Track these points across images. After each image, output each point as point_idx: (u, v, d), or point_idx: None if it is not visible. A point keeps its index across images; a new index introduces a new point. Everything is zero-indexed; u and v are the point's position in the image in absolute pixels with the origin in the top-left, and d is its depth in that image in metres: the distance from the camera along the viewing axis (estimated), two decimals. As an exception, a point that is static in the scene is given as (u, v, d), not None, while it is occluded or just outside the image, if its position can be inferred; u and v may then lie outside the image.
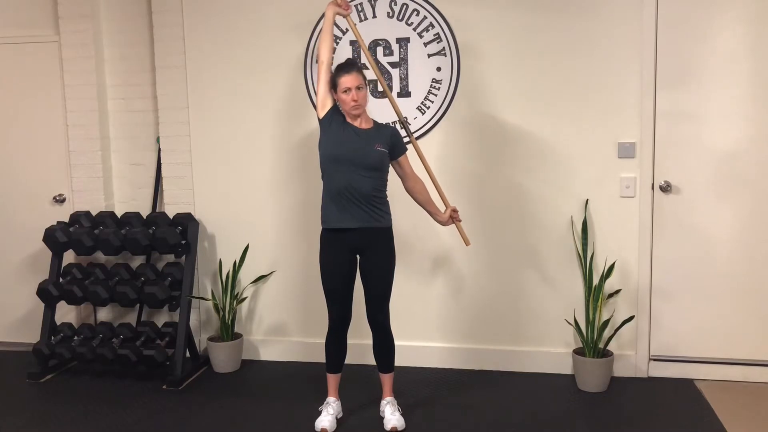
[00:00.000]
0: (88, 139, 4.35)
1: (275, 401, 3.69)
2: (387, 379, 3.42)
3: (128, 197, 4.47)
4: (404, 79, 3.96)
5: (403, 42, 3.94)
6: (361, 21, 3.96)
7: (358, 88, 3.16)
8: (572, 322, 3.83)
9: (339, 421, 3.39)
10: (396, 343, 3.40)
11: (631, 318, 3.73)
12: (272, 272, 4.27)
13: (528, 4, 3.80)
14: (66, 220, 4.30)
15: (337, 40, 3.99)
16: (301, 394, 3.76)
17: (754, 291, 3.76)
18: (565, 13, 3.77)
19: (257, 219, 4.24)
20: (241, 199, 4.26)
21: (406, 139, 3.50)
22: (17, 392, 3.93)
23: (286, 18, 4.06)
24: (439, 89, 3.93)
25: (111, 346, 4.00)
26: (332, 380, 3.42)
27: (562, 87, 3.81)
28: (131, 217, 4.20)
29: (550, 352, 3.98)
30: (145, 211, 4.37)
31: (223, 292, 4.15)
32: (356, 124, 3.24)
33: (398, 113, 3.49)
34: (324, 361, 3.42)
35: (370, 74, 3.64)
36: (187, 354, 4.14)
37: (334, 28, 3.68)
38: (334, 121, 3.24)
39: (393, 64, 3.96)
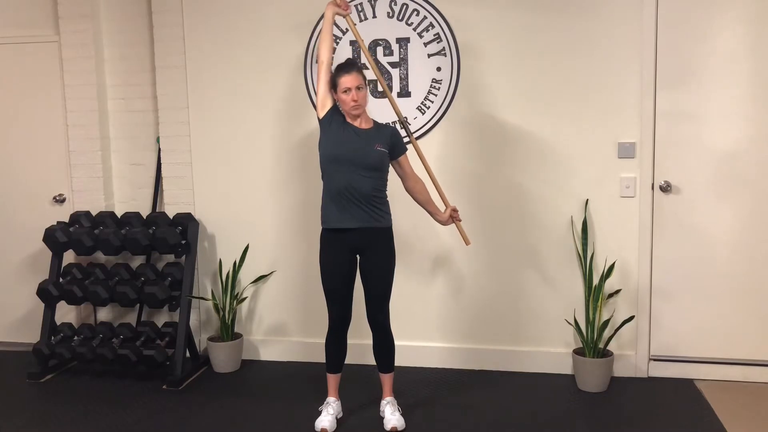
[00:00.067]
0: (88, 139, 4.35)
1: (275, 401, 3.70)
2: (387, 379, 3.42)
3: (128, 197, 4.47)
4: (404, 79, 3.96)
5: (403, 42, 3.94)
6: (361, 21, 3.96)
7: (358, 88, 3.16)
8: (572, 322, 3.83)
9: (339, 421, 3.39)
10: (396, 343, 3.41)
11: (631, 318, 3.73)
12: (272, 272, 4.27)
13: (528, 4, 3.80)
14: (66, 220, 4.30)
15: (337, 40, 3.99)
16: (301, 394, 3.76)
17: (754, 291, 3.76)
18: (565, 13, 3.77)
19: (257, 219, 4.24)
20: (241, 199, 4.26)
21: (406, 139, 3.50)
22: (17, 392, 3.93)
23: (286, 18, 4.06)
24: (439, 89, 3.93)
25: (111, 346, 4.00)
26: (332, 380, 3.42)
27: (562, 87, 3.81)
28: (131, 217, 4.20)
29: (550, 352, 3.98)
30: (145, 211, 4.37)
31: (223, 292, 4.15)
32: (356, 124, 3.24)
33: (398, 113, 3.49)
34: (324, 361, 3.42)
35: (370, 74, 3.64)
36: (187, 354, 4.14)
37: (334, 28, 3.68)
38: (334, 121, 3.24)
39: (393, 64, 3.96)
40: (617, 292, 3.85)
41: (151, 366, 3.99)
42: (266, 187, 4.22)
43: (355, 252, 3.26)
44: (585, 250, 3.82)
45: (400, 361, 3.53)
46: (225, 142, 4.24)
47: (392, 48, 3.95)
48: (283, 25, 4.07)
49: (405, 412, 3.41)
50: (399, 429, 3.29)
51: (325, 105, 3.27)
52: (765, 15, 3.60)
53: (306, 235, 4.11)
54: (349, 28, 3.75)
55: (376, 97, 3.96)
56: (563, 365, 3.94)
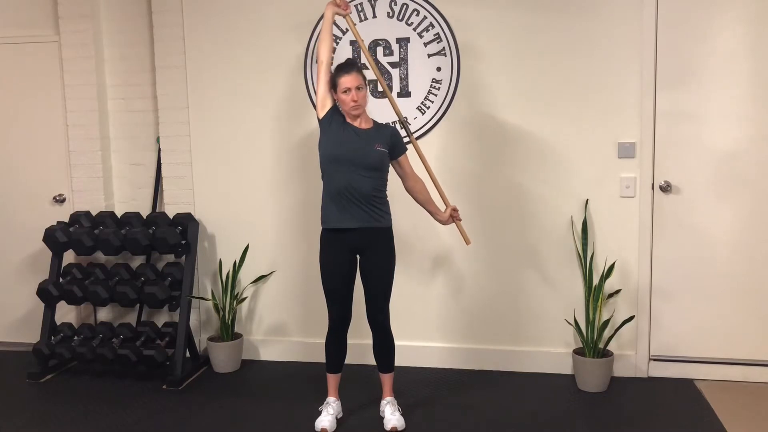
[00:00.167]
0: (88, 139, 4.35)
1: (275, 401, 3.69)
2: (387, 379, 3.42)
3: (128, 197, 4.47)
4: (404, 79, 3.96)
5: (403, 42, 3.94)
6: (361, 21, 3.96)
7: (357, 88, 3.16)
8: (572, 322, 3.83)
9: (339, 421, 3.39)
10: (396, 343, 3.41)
11: (631, 318, 3.73)
12: (272, 272, 4.27)
13: (528, 4, 3.80)
14: (66, 220, 4.30)
15: (337, 40, 3.99)
16: (301, 394, 3.76)
17: (754, 291, 3.76)
18: (565, 13, 3.77)
19: (257, 219, 4.24)
20: (241, 199, 4.26)
21: (406, 139, 3.50)
22: (17, 392, 3.93)
23: (286, 18, 4.06)
24: (439, 89, 3.93)
25: (111, 346, 4.00)
26: (332, 380, 3.42)
27: (562, 87, 3.81)
28: (131, 217, 4.20)
29: (550, 352, 3.98)
30: (145, 211, 4.37)
31: (223, 292, 4.15)
32: (356, 124, 3.24)
33: (398, 113, 3.49)
34: (324, 361, 3.42)
35: (370, 74, 3.64)
36: (187, 354, 4.14)
37: (334, 27, 3.68)
38: (334, 121, 3.24)
39: (393, 64, 3.96)
40: (617, 292, 3.85)
41: (151, 366, 3.99)
42: (266, 187, 4.22)
43: (355, 252, 3.26)
44: (585, 250, 3.82)
45: (400, 361, 3.53)
46: (225, 142, 4.24)
47: (392, 48, 3.95)
48: (283, 25, 4.07)
49: (405, 412, 3.41)
50: (399, 429, 3.29)
51: (324, 105, 3.27)
52: (765, 15, 3.60)
53: (306, 235, 4.11)
54: (349, 28, 3.75)
55: (376, 97, 3.96)
56: (563, 365, 3.94)
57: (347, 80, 3.16)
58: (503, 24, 3.83)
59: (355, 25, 3.76)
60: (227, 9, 4.13)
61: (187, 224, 4.13)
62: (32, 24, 4.43)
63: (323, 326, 3.40)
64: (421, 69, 3.93)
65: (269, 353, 4.33)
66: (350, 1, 3.90)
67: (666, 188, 3.79)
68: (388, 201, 3.31)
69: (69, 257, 4.33)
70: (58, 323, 4.26)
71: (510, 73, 3.86)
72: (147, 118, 4.37)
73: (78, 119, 4.35)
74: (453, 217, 3.44)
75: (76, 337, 4.14)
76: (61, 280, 4.21)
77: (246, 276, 4.25)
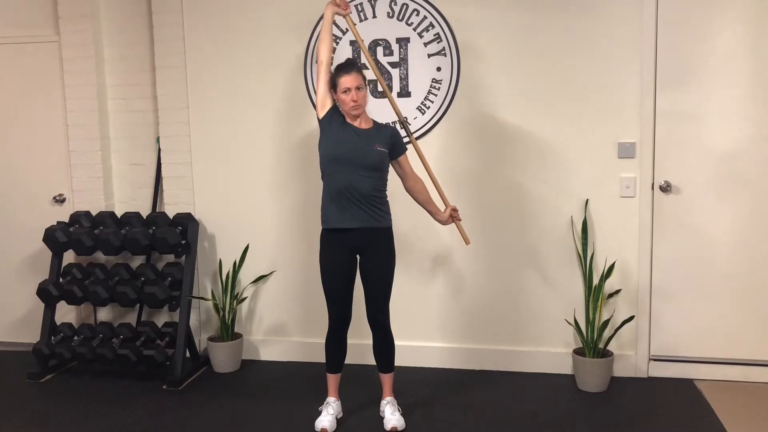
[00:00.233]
0: (88, 139, 4.35)
1: (275, 401, 3.69)
2: (387, 379, 3.42)
3: (128, 197, 4.47)
4: (404, 79, 3.96)
5: (403, 42, 3.94)
6: (361, 21, 3.96)
7: (357, 88, 3.16)
8: (572, 322, 3.83)
9: (339, 421, 3.39)
10: (396, 343, 3.40)
11: (631, 318, 3.73)
12: (272, 272, 4.27)
13: (528, 4, 3.80)
14: (66, 220, 4.30)
15: (337, 40, 3.99)
16: (301, 394, 3.76)
17: (754, 291, 3.76)
18: (565, 13, 3.77)
19: (257, 219, 4.24)
20: (241, 199, 4.26)
21: (405, 139, 3.50)
22: (17, 392, 3.93)
23: (286, 18, 4.06)
24: (439, 89, 3.93)
25: (111, 346, 4.00)
26: (332, 380, 3.42)
27: (562, 87, 3.81)
28: (131, 217, 4.20)
29: (550, 352, 3.98)
30: (145, 211, 4.37)
31: (223, 292, 4.15)
32: (356, 124, 3.24)
33: (398, 113, 3.49)
34: (324, 361, 3.42)
35: (370, 74, 3.64)
36: (187, 354, 4.14)
37: (334, 27, 3.69)
38: (334, 122, 3.24)
39: (393, 64, 3.96)
40: (617, 292, 3.85)
41: (151, 366, 3.99)
42: (266, 187, 4.22)
43: (355, 252, 3.26)
44: (585, 250, 3.82)
45: (400, 361, 3.53)
46: (225, 142, 4.24)
47: (392, 48, 3.95)
48: (283, 25, 4.07)
49: (405, 412, 3.41)
50: (399, 429, 3.28)
51: (324, 105, 3.27)
52: (765, 15, 3.60)
53: (306, 235, 4.11)
54: (348, 28, 3.75)
55: (376, 97, 3.96)
56: (563, 365, 3.94)
57: (347, 80, 3.16)
58: (503, 24, 3.83)
59: (355, 25, 3.76)
60: (227, 9, 4.13)
61: (187, 224, 4.13)
62: (32, 24, 4.43)
63: (323, 326, 3.40)
64: (421, 69, 3.93)
65: (269, 353, 4.33)
66: (350, 1, 3.90)
67: (666, 188, 3.79)
68: (388, 201, 3.31)
69: (69, 257, 4.33)
70: (58, 323, 4.26)
71: (510, 73, 3.86)
72: (147, 118, 4.37)
73: (78, 119, 4.35)
74: (453, 217, 3.44)
75: (76, 337, 4.14)
76: (61, 280, 4.21)
77: (246, 276, 4.25)
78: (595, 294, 3.73)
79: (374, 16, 3.96)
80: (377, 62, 3.95)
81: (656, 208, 3.80)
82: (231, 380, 4.03)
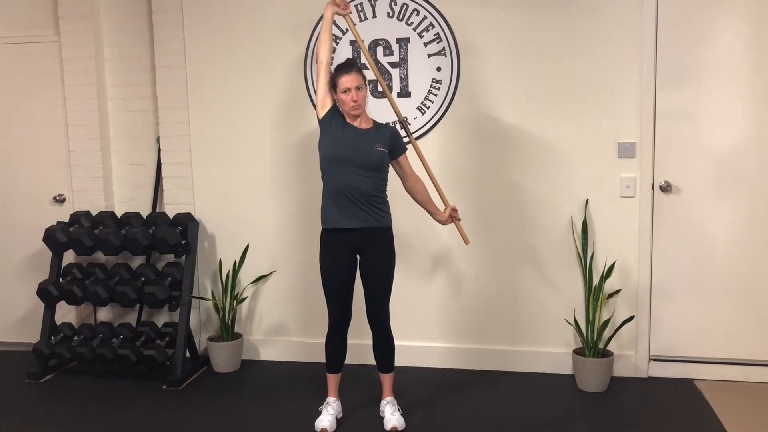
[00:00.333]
0: (88, 139, 4.35)
1: (275, 401, 3.70)
2: (387, 379, 3.42)
3: (128, 197, 4.47)
4: (404, 79, 3.96)
5: (403, 42, 3.94)
6: (361, 21, 3.96)
7: (357, 88, 3.16)
8: (572, 322, 3.83)
9: (339, 421, 3.39)
10: (396, 343, 3.40)
11: (631, 318, 3.73)
12: (272, 272, 4.27)
13: (528, 4, 3.80)
14: (66, 220, 4.30)
15: (337, 40, 3.99)
16: (301, 394, 3.76)
17: (754, 291, 3.76)
18: (565, 13, 3.77)
19: (257, 219, 4.24)
20: (241, 199, 4.26)
21: (405, 139, 3.50)
22: (17, 392, 3.93)
23: (286, 18, 4.06)
24: (439, 89, 3.93)
25: (111, 346, 4.00)
26: (332, 380, 3.42)
27: (562, 87, 3.81)
28: (131, 217, 4.20)
29: (550, 352, 3.98)
30: (145, 211, 4.37)
31: (223, 292, 4.15)
32: (356, 124, 3.24)
33: (398, 113, 3.49)
34: (324, 361, 3.42)
35: (370, 74, 3.64)
36: (187, 354, 4.14)
37: (334, 27, 3.69)
38: (334, 122, 3.24)
39: (393, 64, 3.96)
40: (617, 292, 3.85)
41: (151, 366, 3.99)
42: (266, 187, 4.22)
43: (355, 252, 3.26)
44: (585, 250, 3.82)
45: (400, 361, 3.53)
46: (225, 142, 4.24)
47: (392, 48, 3.95)
48: (283, 25, 4.07)
49: (405, 412, 3.41)
50: (399, 429, 3.29)
51: (324, 105, 3.27)
52: (765, 15, 3.60)
53: (306, 235, 4.11)
54: (348, 28, 3.75)
55: (376, 97, 3.96)
56: (563, 365, 3.94)
57: (347, 80, 3.16)
58: (503, 24, 3.83)
59: (355, 25, 3.76)
60: (227, 9, 4.13)
61: (187, 224, 4.13)
62: (32, 24, 4.43)
63: (323, 326, 3.40)
64: (421, 69, 3.93)
65: (269, 353, 4.33)
66: (350, 1, 3.90)
67: (666, 188, 3.79)
68: (388, 201, 3.31)
69: (69, 257, 4.33)
70: (58, 323, 4.26)
71: (510, 73, 3.86)
72: (147, 118, 4.37)
73: (78, 119, 4.35)
74: (452, 216, 3.44)
75: (76, 337, 4.14)
76: (61, 280, 4.21)
77: (246, 276, 4.25)
78: (595, 294, 3.73)
79: (374, 16, 3.96)
80: (377, 62, 3.95)
81: (656, 208, 3.80)
82: (231, 380, 4.03)
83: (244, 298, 4.25)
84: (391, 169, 3.32)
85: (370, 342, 3.40)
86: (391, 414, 3.33)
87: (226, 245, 4.29)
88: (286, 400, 3.70)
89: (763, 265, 3.74)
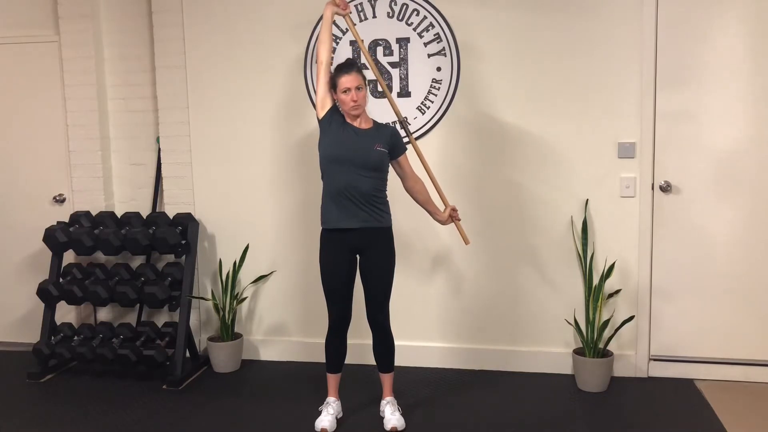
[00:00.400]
0: (88, 139, 4.35)
1: (275, 401, 3.70)
2: (387, 379, 3.42)
3: (128, 197, 4.47)
4: (404, 79, 3.96)
5: (403, 42, 3.94)
6: (361, 21, 3.96)
7: (357, 88, 3.16)
8: (572, 322, 3.83)
9: (339, 421, 3.39)
10: (396, 343, 3.40)
11: (631, 318, 3.73)
12: (272, 272, 4.27)
13: (528, 4, 3.80)
14: (66, 220, 4.30)
15: (337, 40, 3.99)
16: (301, 394, 3.76)
17: (754, 291, 3.76)
18: (565, 13, 3.77)
19: (257, 219, 4.24)
20: (241, 199, 4.26)
21: (405, 139, 3.50)
22: (17, 392, 3.93)
23: (286, 18, 4.06)
24: (439, 89, 3.93)
25: (111, 346, 4.00)
26: (332, 380, 3.42)
27: (562, 87, 3.81)
28: (131, 217, 4.20)
29: (550, 352, 3.98)
30: (145, 211, 4.37)
31: (223, 292, 4.15)
32: (356, 124, 3.24)
33: (397, 113, 3.49)
34: (324, 361, 3.42)
35: (370, 74, 3.64)
36: (187, 354, 4.14)
37: (334, 27, 3.69)
38: (334, 122, 3.24)
39: (393, 64, 3.96)
40: (617, 292, 3.85)
41: (151, 366, 4.00)
42: (266, 187, 4.22)
43: (355, 252, 3.26)
44: (585, 250, 3.82)
45: (400, 361, 3.53)
46: (225, 142, 4.24)
47: (392, 48, 3.95)
48: (283, 25, 4.07)
49: (405, 412, 3.41)
50: (399, 429, 3.28)
51: (324, 105, 3.27)
52: (765, 15, 3.60)
53: (306, 235, 4.11)
54: (348, 28, 3.75)
55: (376, 97, 3.96)
56: (563, 365, 3.94)
57: (347, 80, 3.16)
58: (503, 24, 3.83)
59: (355, 25, 3.77)
60: (227, 9, 4.13)
61: (187, 224, 4.13)
62: (32, 24, 4.43)
63: (323, 326, 3.40)
64: (421, 69, 3.93)
65: (269, 353, 4.33)
66: (350, 1, 3.90)
67: (666, 188, 3.79)
68: (388, 201, 3.31)
69: (69, 257, 4.33)
70: (58, 323, 4.26)
71: (510, 73, 3.86)
72: (147, 118, 4.37)
73: (78, 119, 4.35)
74: (452, 216, 3.44)
75: (76, 337, 4.14)
76: (61, 280, 4.21)
77: (246, 276, 4.25)
78: (595, 294, 3.73)
79: (374, 16, 3.96)
80: (377, 62, 3.95)
81: (656, 208, 3.80)
82: (231, 380, 4.03)
83: (244, 298, 4.25)
84: (391, 169, 3.32)
85: (370, 342, 3.40)
86: (391, 414, 3.33)
87: (226, 245, 4.29)
88: (286, 400, 3.70)
89: (763, 265, 3.74)
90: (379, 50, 3.96)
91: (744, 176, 3.71)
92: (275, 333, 4.33)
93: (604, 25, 3.74)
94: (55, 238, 4.11)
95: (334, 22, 3.45)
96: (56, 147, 4.48)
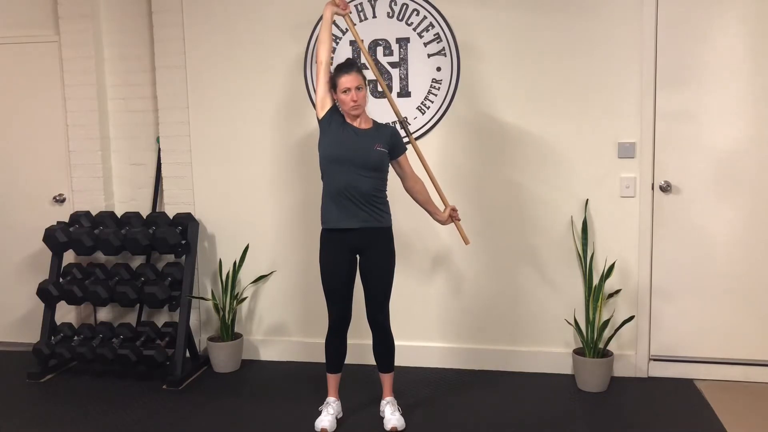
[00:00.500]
0: (88, 139, 4.35)
1: (275, 401, 3.70)
2: (387, 379, 3.42)
3: (128, 197, 4.47)
4: (404, 79, 3.96)
5: (403, 42, 3.94)
6: (360, 21, 3.96)
7: (357, 88, 3.16)
8: (572, 322, 3.83)
9: (339, 421, 3.39)
10: (396, 343, 3.40)
11: (631, 318, 3.73)
12: (272, 272, 4.27)
13: (528, 4, 3.80)
14: (66, 220, 4.30)
15: (337, 40, 3.99)
16: (301, 394, 3.76)
17: (754, 291, 3.76)
18: (565, 13, 3.77)
19: (257, 219, 4.24)
20: (241, 199, 4.26)
21: (405, 139, 3.50)
22: (17, 392, 3.93)
23: (286, 18, 4.06)
24: (439, 89, 3.93)
25: (111, 346, 4.00)
26: (332, 380, 3.42)
27: (562, 87, 3.81)
28: (131, 217, 4.20)
29: (550, 352, 3.98)
30: (145, 211, 4.37)
31: (223, 292, 4.15)
32: (356, 124, 3.24)
33: (397, 113, 3.49)
34: (324, 361, 3.42)
35: (370, 74, 3.64)
36: (187, 354, 4.14)
37: (334, 27, 3.69)
38: (334, 122, 3.24)
39: (393, 64, 3.96)
40: (617, 292, 3.85)
41: (151, 366, 4.00)
42: (266, 187, 4.22)
43: (355, 252, 3.26)
44: (585, 250, 3.82)
45: (400, 361, 3.53)
46: (225, 142, 4.24)
47: (392, 48, 3.95)
48: (283, 25, 4.07)
49: (405, 412, 3.41)
50: (399, 429, 3.28)
51: (324, 105, 3.27)
52: (765, 15, 3.60)
53: (306, 235, 4.11)
54: (348, 28, 3.75)
55: (376, 97, 3.96)
56: (563, 365, 3.94)
57: (347, 80, 3.16)
58: (503, 24, 3.83)
59: (355, 25, 3.77)
60: (227, 9, 4.13)
61: (187, 224, 4.13)
62: (32, 24, 4.43)
63: (323, 326, 3.40)
64: (421, 69, 3.93)
65: (269, 353, 4.33)
66: (350, 1, 3.90)
67: (666, 188, 3.79)
68: (388, 201, 3.31)
69: (69, 257, 4.33)
70: (58, 323, 4.26)
71: (510, 73, 3.86)
72: (147, 118, 4.37)
73: (78, 119, 4.35)
74: (452, 216, 3.44)
75: (76, 337, 4.14)
76: (61, 280, 4.21)
77: (246, 276, 4.25)
78: (595, 294, 3.73)
79: (374, 16, 3.96)
80: (377, 62, 3.95)
81: (656, 208, 3.80)
82: (231, 380, 4.03)
83: (244, 298, 4.25)
84: (391, 169, 3.32)
85: (370, 342, 3.39)
86: (391, 414, 3.33)
87: (226, 245, 4.29)
88: (286, 400, 3.70)
89: (763, 265, 3.74)
90: (379, 50, 3.96)
91: (744, 176, 3.71)
92: (275, 333, 4.33)
93: (604, 25, 3.74)
94: (55, 238, 4.11)
95: (334, 22, 3.46)
96: (56, 147, 4.48)
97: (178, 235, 4.01)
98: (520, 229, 3.95)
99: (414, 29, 3.92)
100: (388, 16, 3.95)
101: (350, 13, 3.56)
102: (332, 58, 3.36)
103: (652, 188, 3.80)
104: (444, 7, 3.86)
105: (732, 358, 3.81)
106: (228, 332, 4.14)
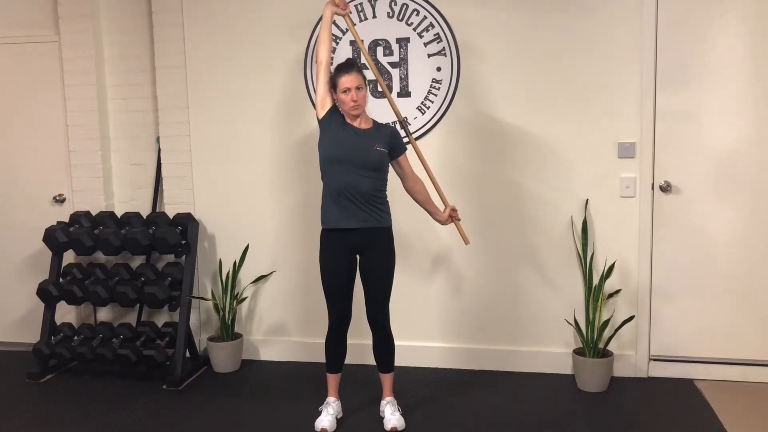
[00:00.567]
0: (88, 139, 4.35)
1: (275, 401, 3.70)
2: (387, 379, 3.42)
3: (128, 197, 4.47)
4: (404, 79, 3.96)
5: (403, 42, 3.94)
6: (361, 21, 3.96)
7: (357, 88, 3.16)
8: (572, 322, 3.83)
9: (339, 421, 3.39)
10: (396, 343, 3.41)
11: (631, 318, 3.73)
12: (272, 272, 4.27)
13: (528, 4, 3.80)
14: (66, 220, 4.30)
15: (337, 40, 3.99)
16: (301, 394, 3.76)
17: (754, 291, 3.76)
18: (565, 13, 3.77)
19: (257, 219, 4.24)
20: (241, 199, 4.26)
21: (405, 139, 3.50)
22: (17, 392, 3.93)
23: (285, 18, 4.06)
24: (439, 89, 3.93)
25: (111, 346, 4.00)
26: (332, 380, 3.42)
27: (562, 87, 3.81)
28: (131, 217, 4.20)
29: (550, 352, 3.98)
30: (145, 211, 4.37)
31: (223, 292, 4.15)
32: (356, 124, 3.24)
33: (397, 113, 3.49)
34: (324, 361, 3.42)
35: (370, 74, 3.64)
36: (187, 354, 4.14)
37: (334, 27, 3.69)
38: (334, 122, 3.24)
39: (393, 64, 3.96)
40: (617, 292, 3.85)
41: (151, 366, 4.00)
42: (266, 187, 4.22)
43: (355, 252, 3.26)
44: (585, 250, 3.82)
45: (400, 361, 3.53)
46: (225, 142, 4.24)
47: (392, 48, 3.95)
48: (283, 25, 4.07)
49: (405, 412, 3.41)
50: (399, 429, 3.28)
51: (324, 105, 3.27)
52: (765, 15, 3.60)
53: (306, 235, 4.11)
54: (348, 28, 3.75)
55: (376, 97, 3.96)
56: (563, 365, 3.94)
57: (347, 80, 3.16)
58: (503, 24, 3.83)
59: (355, 25, 3.77)
60: (227, 9, 4.13)
61: (187, 224, 4.13)
62: (32, 24, 4.43)
63: (323, 326, 3.40)
64: (421, 69, 3.93)
65: (269, 353, 4.33)
66: (350, 1, 3.90)
67: (666, 188, 3.79)
68: (388, 201, 3.31)
69: (69, 257, 4.33)
70: (58, 323, 4.26)
71: (510, 73, 3.86)
72: (147, 118, 4.37)
73: (78, 119, 4.35)
74: (452, 216, 3.44)
75: (76, 337, 4.14)
76: (61, 280, 4.21)
77: (246, 276, 4.25)
78: (595, 294, 3.73)
79: (374, 16, 3.96)
80: (377, 62, 3.95)
81: (656, 208, 3.80)
82: (231, 380, 4.03)
83: (244, 298, 4.25)
84: (391, 169, 3.32)
85: (370, 342, 3.40)
86: (391, 414, 3.33)
87: (226, 245, 4.29)
88: (286, 400, 3.70)
89: (763, 265, 3.74)
90: (379, 50, 3.96)
91: (744, 176, 3.71)
92: (275, 333, 4.33)
93: (604, 25, 3.74)
94: (55, 238, 4.11)
95: (334, 22, 3.46)
96: (56, 147, 4.48)
97: (178, 235, 4.01)
98: (520, 229, 3.95)
99: (414, 29, 3.92)
100: (388, 16, 3.95)
101: (350, 13, 3.56)
102: (332, 58, 3.36)
103: (652, 188, 3.80)
104: (444, 7, 3.86)
105: (732, 358, 3.81)
106: (228, 332, 4.14)
